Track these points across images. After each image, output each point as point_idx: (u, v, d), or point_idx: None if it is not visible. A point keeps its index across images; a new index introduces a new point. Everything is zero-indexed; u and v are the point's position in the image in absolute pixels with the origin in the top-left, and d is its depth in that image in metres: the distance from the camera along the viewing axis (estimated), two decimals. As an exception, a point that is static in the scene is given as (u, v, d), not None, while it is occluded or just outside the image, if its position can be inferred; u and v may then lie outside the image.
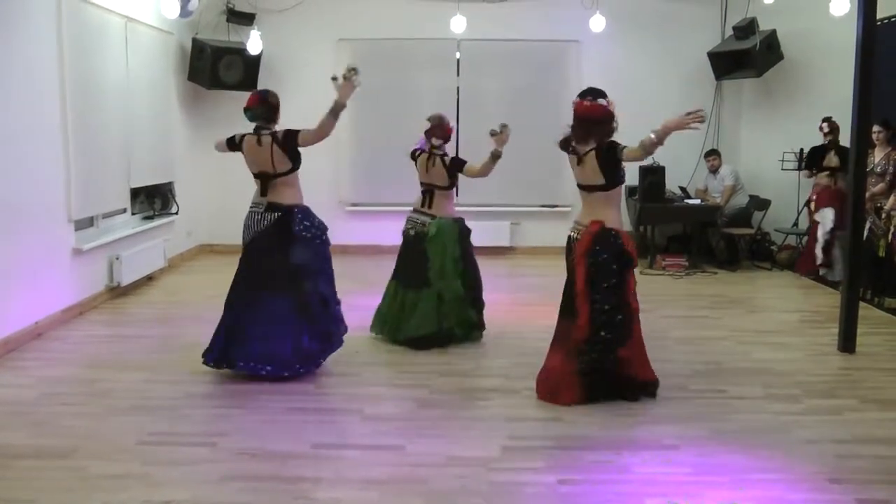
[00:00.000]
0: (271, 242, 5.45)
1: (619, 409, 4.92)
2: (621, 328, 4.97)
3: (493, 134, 5.97)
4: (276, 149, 5.39)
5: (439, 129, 6.34)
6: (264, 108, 5.49)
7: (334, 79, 5.27)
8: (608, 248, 4.95)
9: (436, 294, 6.19)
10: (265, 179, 5.49)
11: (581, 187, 5.14)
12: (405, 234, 6.48)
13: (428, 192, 6.37)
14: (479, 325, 6.48)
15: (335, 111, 5.27)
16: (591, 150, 4.98)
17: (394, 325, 6.31)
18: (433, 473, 4.03)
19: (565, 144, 5.20)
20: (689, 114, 4.63)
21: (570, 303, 5.05)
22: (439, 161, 6.29)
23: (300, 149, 5.45)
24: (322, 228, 5.63)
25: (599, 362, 4.96)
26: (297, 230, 5.46)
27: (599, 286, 4.93)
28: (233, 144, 5.59)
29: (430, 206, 6.35)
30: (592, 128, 4.97)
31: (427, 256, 6.22)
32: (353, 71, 5.20)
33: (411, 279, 6.29)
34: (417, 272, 6.24)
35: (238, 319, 5.41)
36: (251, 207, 5.57)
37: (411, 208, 6.51)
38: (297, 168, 5.53)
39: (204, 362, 5.46)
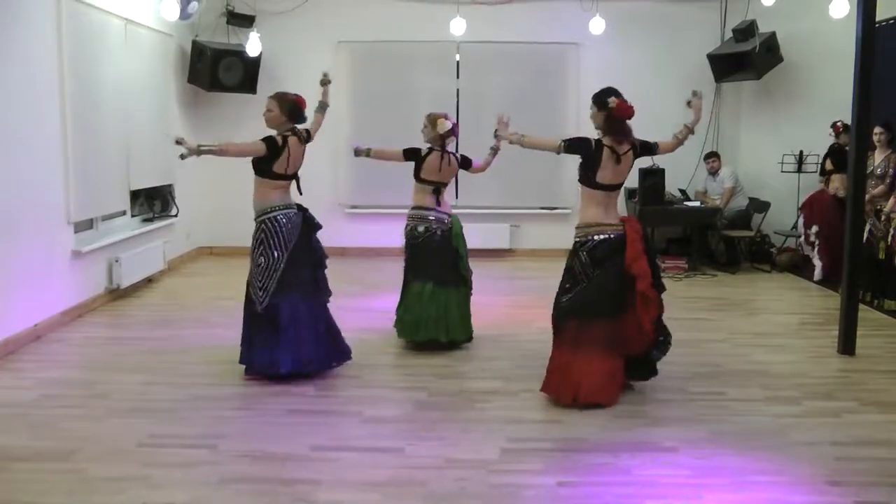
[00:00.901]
0: (304, 241, 5.59)
1: (619, 410, 4.92)
2: None
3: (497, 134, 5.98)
4: (303, 149, 5.64)
5: (456, 128, 6.37)
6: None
7: (325, 83, 5.90)
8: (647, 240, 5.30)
9: (468, 290, 6.37)
10: (296, 179, 5.65)
11: (606, 187, 5.10)
12: (428, 233, 6.24)
13: (437, 190, 6.30)
14: None
15: (324, 111, 5.94)
16: (629, 149, 5.10)
17: (444, 325, 6.19)
18: (432, 476, 4.03)
19: (585, 146, 5.11)
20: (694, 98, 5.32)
21: (618, 300, 5.02)
22: (454, 159, 6.29)
23: None
24: None
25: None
26: (316, 224, 5.71)
27: (658, 274, 5.19)
28: (276, 147, 5.43)
29: (439, 204, 6.30)
30: (627, 127, 5.12)
31: (460, 254, 6.28)
32: (327, 74, 5.98)
33: (449, 278, 6.23)
34: (453, 270, 6.25)
35: (304, 322, 5.48)
36: (283, 209, 5.47)
37: (414, 207, 6.33)
38: None
39: (302, 372, 5.46)
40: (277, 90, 5.79)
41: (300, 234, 5.54)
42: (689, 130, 5.33)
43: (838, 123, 9.00)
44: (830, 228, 8.91)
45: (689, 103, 5.35)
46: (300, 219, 5.56)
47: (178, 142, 5.19)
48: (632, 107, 5.07)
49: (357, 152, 6.33)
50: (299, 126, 5.60)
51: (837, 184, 8.91)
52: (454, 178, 6.53)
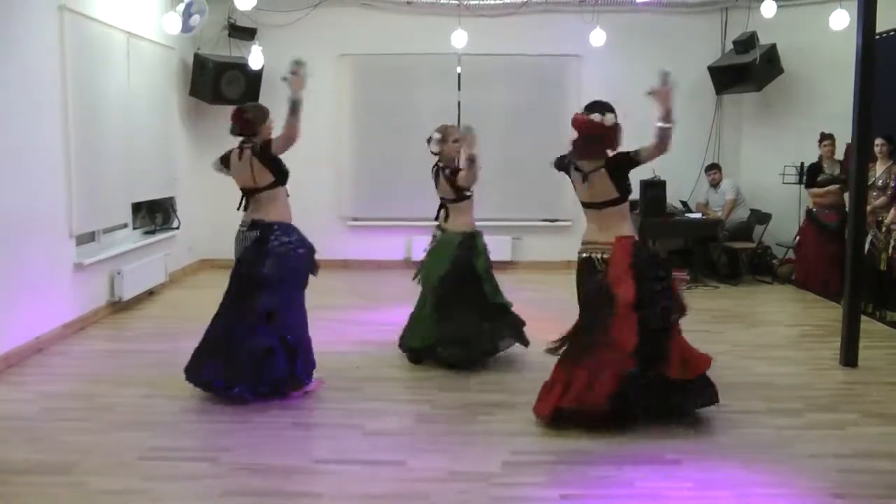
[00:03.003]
0: (252, 263, 5.33)
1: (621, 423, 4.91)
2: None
3: (455, 141, 5.97)
4: (255, 161, 5.33)
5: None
6: (239, 122, 5.42)
7: (284, 79, 5.18)
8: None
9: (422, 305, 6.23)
10: (248, 195, 5.44)
11: (590, 205, 4.93)
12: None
13: (442, 206, 6.31)
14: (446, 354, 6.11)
15: (294, 110, 5.14)
16: (599, 167, 4.82)
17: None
18: (434, 489, 4.02)
19: (562, 163, 5.11)
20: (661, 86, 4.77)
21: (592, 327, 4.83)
22: (441, 175, 6.25)
23: (282, 161, 5.39)
24: (300, 244, 5.43)
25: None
26: (272, 245, 5.31)
27: (662, 301, 4.80)
28: (225, 161, 5.56)
29: (445, 220, 6.29)
30: (590, 144, 4.83)
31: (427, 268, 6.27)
32: (298, 64, 5.14)
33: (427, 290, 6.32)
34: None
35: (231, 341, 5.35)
36: (239, 226, 5.49)
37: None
38: (282, 182, 5.42)
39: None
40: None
41: (249, 255, 5.36)
42: (664, 125, 4.66)
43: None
44: (803, 243, 9.36)
45: (650, 93, 4.74)
46: (249, 237, 5.38)
47: None
48: (589, 121, 4.80)
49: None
50: (253, 139, 5.41)
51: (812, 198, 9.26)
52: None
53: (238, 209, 5.47)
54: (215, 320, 5.50)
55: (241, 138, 5.46)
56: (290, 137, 5.19)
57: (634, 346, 4.63)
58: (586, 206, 4.98)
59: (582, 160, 4.89)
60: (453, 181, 6.09)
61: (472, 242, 6.19)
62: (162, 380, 5.74)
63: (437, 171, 6.25)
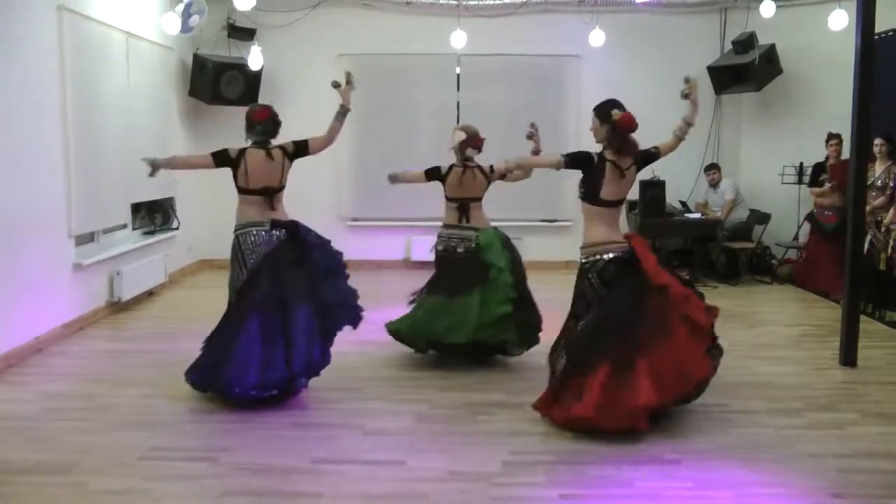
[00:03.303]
0: (287, 261, 5.31)
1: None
2: None
3: (530, 136, 6.00)
4: (286, 162, 5.45)
5: (474, 140, 6.23)
6: (273, 123, 5.50)
7: (336, 85, 5.64)
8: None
9: (479, 300, 5.92)
10: (269, 195, 5.41)
11: (611, 203, 4.93)
12: (448, 251, 6.22)
13: (463, 206, 6.22)
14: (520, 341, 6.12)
15: (343, 115, 5.65)
16: (632, 164, 4.96)
17: (460, 329, 5.91)
18: (434, 489, 4.02)
19: (586, 160, 4.94)
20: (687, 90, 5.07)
21: (637, 326, 4.75)
22: (479, 173, 6.19)
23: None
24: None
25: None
26: (311, 240, 5.45)
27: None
28: (226, 160, 5.38)
29: (468, 220, 6.21)
30: (632, 140, 4.94)
31: (491, 262, 5.97)
32: (350, 75, 5.71)
33: (460, 288, 6.02)
34: (472, 280, 5.98)
35: (273, 342, 5.14)
36: (250, 227, 5.37)
37: (442, 225, 6.33)
38: None
39: (252, 396, 5.11)
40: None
41: (282, 253, 5.31)
42: (688, 124, 5.05)
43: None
44: (808, 242, 9.45)
45: (685, 95, 5.05)
46: (275, 235, 5.35)
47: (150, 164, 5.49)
48: (635, 119, 4.90)
49: (392, 179, 6.35)
50: (276, 139, 5.51)
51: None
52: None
53: (272, 210, 5.41)
54: (253, 324, 5.16)
55: (254, 139, 5.47)
56: (331, 140, 5.65)
57: (713, 320, 4.89)
58: (603, 203, 4.93)
59: (622, 157, 4.92)
60: (488, 177, 6.22)
61: (509, 239, 6.35)
62: (162, 380, 5.74)
63: (462, 171, 6.15)
